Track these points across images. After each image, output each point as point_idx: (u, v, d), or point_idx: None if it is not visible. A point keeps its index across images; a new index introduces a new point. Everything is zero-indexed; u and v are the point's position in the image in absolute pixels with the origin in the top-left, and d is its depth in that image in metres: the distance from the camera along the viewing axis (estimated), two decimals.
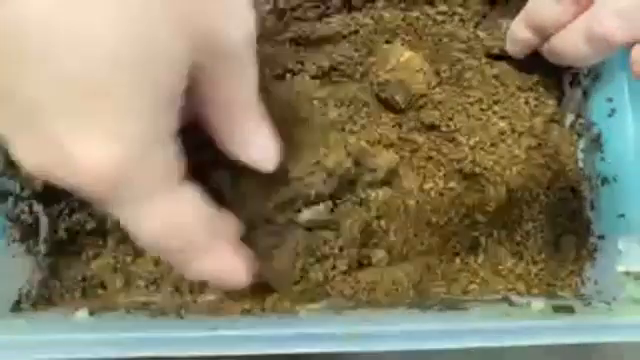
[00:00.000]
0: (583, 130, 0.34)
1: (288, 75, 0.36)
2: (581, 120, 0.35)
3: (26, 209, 0.33)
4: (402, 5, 0.36)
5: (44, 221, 0.33)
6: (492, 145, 0.34)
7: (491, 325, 0.26)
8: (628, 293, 0.30)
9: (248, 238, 0.33)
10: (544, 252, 0.33)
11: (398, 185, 0.35)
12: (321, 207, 0.33)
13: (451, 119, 0.34)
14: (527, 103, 0.35)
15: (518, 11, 0.34)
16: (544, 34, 0.31)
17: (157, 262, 0.34)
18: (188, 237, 0.25)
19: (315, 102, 0.35)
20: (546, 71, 0.35)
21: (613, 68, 0.32)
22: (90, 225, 0.34)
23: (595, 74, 0.33)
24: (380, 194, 0.34)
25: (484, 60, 0.35)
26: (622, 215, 0.31)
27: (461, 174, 0.34)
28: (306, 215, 0.33)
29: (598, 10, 0.28)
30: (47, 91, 0.20)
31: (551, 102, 0.35)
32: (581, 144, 0.35)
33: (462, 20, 0.36)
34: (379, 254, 0.34)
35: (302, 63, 0.36)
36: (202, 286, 0.33)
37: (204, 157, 0.29)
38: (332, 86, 0.36)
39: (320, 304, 0.32)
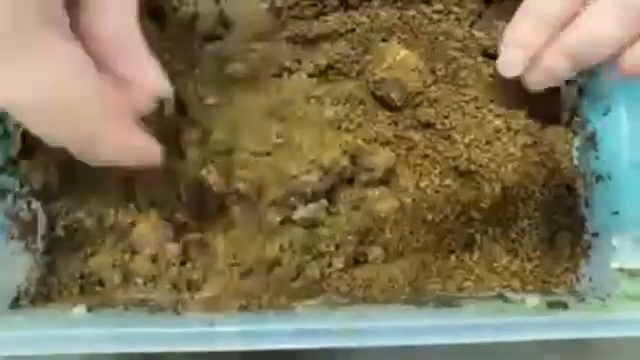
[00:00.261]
0: (578, 128, 0.35)
1: (285, 73, 0.36)
2: (576, 118, 0.35)
3: (24, 207, 0.33)
4: (398, 4, 0.36)
5: (42, 219, 0.34)
6: (487, 143, 0.34)
7: (485, 321, 0.27)
8: (622, 289, 0.30)
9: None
10: (539, 249, 0.34)
11: (395, 183, 0.35)
12: (317, 205, 0.34)
13: (447, 117, 0.34)
14: (523, 102, 0.35)
15: (514, 11, 0.34)
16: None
17: (155, 259, 0.34)
18: (77, 104, 0.23)
19: (312, 100, 0.36)
20: None
21: (608, 67, 0.32)
22: (88, 223, 0.34)
23: (590, 73, 0.33)
24: (377, 193, 0.35)
25: (480, 59, 0.36)
26: (616, 212, 0.32)
27: (457, 172, 0.34)
28: (302, 213, 0.34)
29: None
30: None
31: (547, 100, 0.35)
32: (576, 142, 0.35)
33: (458, 19, 0.36)
34: (375, 251, 0.34)
35: (299, 61, 0.36)
36: (199, 283, 0.34)
37: None
38: (329, 84, 0.36)
39: (316, 300, 0.32)
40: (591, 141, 0.34)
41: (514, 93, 0.35)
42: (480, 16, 0.36)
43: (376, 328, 0.26)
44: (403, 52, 0.35)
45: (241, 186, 0.33)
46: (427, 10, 0.36)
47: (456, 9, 0.36)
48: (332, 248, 0.34)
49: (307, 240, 0.33)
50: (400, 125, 0.35)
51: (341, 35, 0.36)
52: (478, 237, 0.34)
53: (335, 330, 0.26)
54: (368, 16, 0.36)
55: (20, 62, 0.22)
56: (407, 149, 0.35)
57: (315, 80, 0.36)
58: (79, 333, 0.26)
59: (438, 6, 0.36)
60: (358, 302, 0.32)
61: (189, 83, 0.35)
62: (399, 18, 0.36)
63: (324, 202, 0.34)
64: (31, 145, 0.33)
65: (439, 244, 0.34)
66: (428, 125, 0.35)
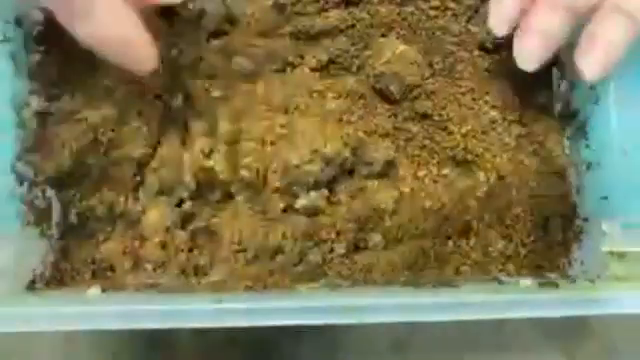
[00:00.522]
0: (569, 118, 0.36)
1: (288, 68, 0.37)
2: (568, 109, 0.36)
3: (39, 194, 0.34)
4: (397, 0, 0.37)
5: (56, 206, 0.35)
6: (483, 133, 0.36)
7: (481, 298, 0.28)
8: (612, 272, 0.32)
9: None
10: (532, 234, 0.35)
11: (394, 175, 0.36)
12: (318, 194, 0.35)
13: (444, 109, 0.36)
14: (517, 93, 0.36)
15: None
16: None
17: (164, 246, 0.35)
18: None
19: (314, 94, 0.37)
20: None
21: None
22: (99, 210, 0.35)
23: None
24: (376, 184, 0.36)
25: (476, 52, 0.37)
26: (605, 198, 0.33)
27: (454, 161, 0.36)
28: (304, 201, 0.35)
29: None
30: None
31: (540, 92, 0.36)
32: (567, 132, 0.36)
33: (454, 15, 0.37)
34: (375, 238, 0.35)
35: (301, 56, 0.37)
36: (206, 269, 0.35)
37: None
38: (330, 78, 0.37)
39: (319, 283, 0.33)
40: (582, 130, 0.35)
41: (509, 85, 0.36)
42: (476, 11, 0.37)
43: (376, 305, 0.27)
44: (402, 47, 0.36)
45: (246, 175, 0.34)
46: (424, 6, 0.37)
47: (453, 5, 0.37)
48: (333, 235, 0.35)
49: (308, 228, 0.35)
50: (399, 117, 0.37)
51: (342, 31, 0.37)
52: (474, 223, 0.35)
53: (336, 307, 0.27)
54: (368, 12, 0.37)
55: None
56: (406, 140, 0.36)
57: (317, 74, 0.37)
58: (93, 310, 0.27)
59: (435, 2, 0.37)
60: (359, 285, 0.33)
61: (196, 76, 0.36)
62: (398, 14, 0.37)
63: (325, 191, 0.35)
64: (46, 135, 0.34)
65: (437, 231, 0.35)
66: (426, 117, 0.36)
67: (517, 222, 0.35)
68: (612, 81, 0.33)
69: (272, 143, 0.35)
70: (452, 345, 0.38)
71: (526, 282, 0.31)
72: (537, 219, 0.35)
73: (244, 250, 0.35)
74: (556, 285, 0.30)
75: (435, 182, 0.36)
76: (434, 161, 0.36)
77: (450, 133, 0.36)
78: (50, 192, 0.35)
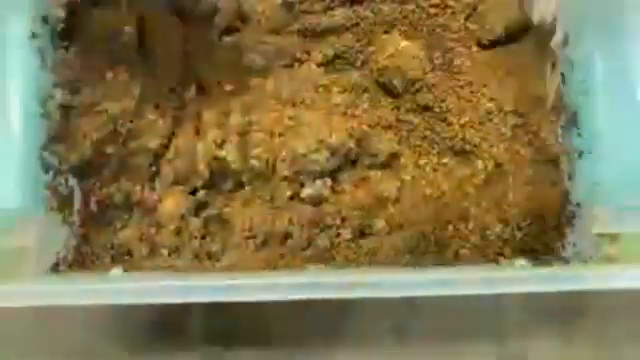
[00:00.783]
0: (562, 109, 0.38)
1: (296, 64, 0.39)
2: (560, 100, 0.38)
3: (63, 182, 0.36)
4: None
5: (77, 194, 0.37)
6: (480, 124, 0.38)
7: (479, 275, 0.30)
8: (603, 252, 0.33)
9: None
10: (528, 219, 0.36)
11: (396, 165, 0.38)
12: (322, 182, 0.37)
13: (443, 101, 0.38)
14: (512, 86, 0.38)
15: (506, 5, 0.38)
16: None
17: (179, 232, 0.37)
18: None
19: (320, 88, 0.39)
20: (531, 58, 0.39)
21: (586, 54, 0.35)
22: (118, 199, 0.37)
23: (572, 59, 0.37)
24: (379, 174, 0.38)
25: (474, 48, 0.39)
26: (597, 183, 0.34)
27: (453, 151, 0.38)
28: (309, 191, 0.37)
29: None
30: None
31: (534, 85, 0.38)
32: (560, 122, 0.38)
33: (454, 12, 0.39)
34: (379, 224, 0.37)
35: (308, 52, 0.39)
36: (219, 255, 0.37)
37: None
38: (336, 73, 0.39)
39: (327, 265, 0.35)
40: (573, 120, 0.36)
41: (505, 79, 0.38)
42: (474, 9, 0.39)
43: (380, 281, 0.29)
44: (404, 43, 0.39)
45: (256, 164, 0.36)
46: (425, 4, 0.39)
47: (452, 3, 0.39)
48: (338, 222, 0.37)
49: (314, 215, 0.37)
50: (401, 109, 0.39)
51: (347, 28, 0.39)
52: (473, 209, 0.37)
53: (343, 283, 0.29)
54: (372, 10, 0.39)
55: None
56: (408, 131, 0.38)
57: (323, 69, 0.39)
58: (116, 287, 0.30)
59: (435, 1, 0.39)
60: (364, 266, 0.35)
61: (209, 71, 0.38)
62: (400, 12, 0.39)
63: (329, 181, 0.37)
64: (69, 126, 0.36)
65: (437, 216, 0.37)
66: (427, 109, 0.38)
67: (513, 207, 0.37)
68: (601, 73, 0.34)
69: (280, 134, 0.37)
70: (451, 332, 0.39)
71: (521, 262, 0.33)
72: (532, 204, 0.37)
73: (254, 236, 0.37)
74: (550, 264, 0.32)
75: (435, 170, 0.38)
76: (434, 151, 0.38)
77: (449, 124, 0.38)
78: (72, 181, 0.37)
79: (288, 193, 0.37)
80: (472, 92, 0.38)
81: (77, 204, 0.37)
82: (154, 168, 0.37)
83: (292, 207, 0.37)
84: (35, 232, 0.34)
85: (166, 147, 0.37)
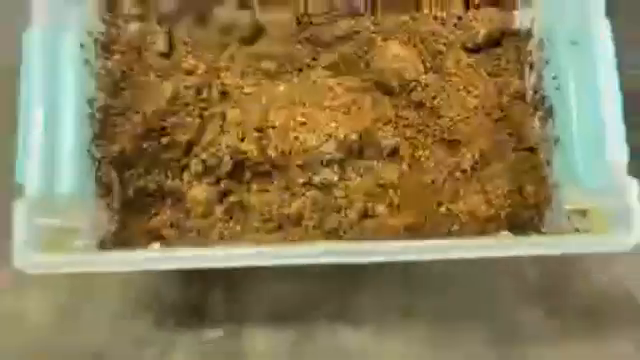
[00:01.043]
0: (539, 103, 0.42)
1: (306, 68, 0.44)
2: (537, 96, 0.42)
3: (106, 173, 0.41)
4: (395, 11, 0.44)
5: (117, 183, 0.42)
6: (467, 118, 0.42)
7: (467, 242, 0.35)
8: (574, 226, 0.38)
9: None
10: (510, 199, 0.41)
11: (396, 155, 0.43)
12: (332, 170, 0.41)
13: (435, 98, 0.42)
14: (495, 84, 0.43)
15: (491, 14, 0.43)
16: None
17: (205, 217, 0.42)
18: None
19: (327, 90, 0.43)
20: (511, 60, 0.44)
21: (558, 55, 0.40)
22: (151, 188, 0.42)
23: (546, 60, 0.41)
24: (381, 164, 0.42)
25: (462, 52, 0.44)
26: (569, 167, 0.38)
27: (444, 142, 0.42)
28: (320, 177, 0.41)
29: None
30: None
31: (514, 83, 0.43)
32: (538, 114, 0.42)
33: (443, 22, 0.44)
34: (380, 208, 0.41)
35: (316, 59, 0.44)
36: (240, 236, 0.42)
37: None
38: (340, 76, 0.44)
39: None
40: (549, 113, 0.41)
41: (489, 78, 0.43)
42: (460, 19, 0.44)
43: (381, 247, 0.34)
44: (400, 49, 0.43)
45: (273, 154, 0.41)
46: (418, 15, 0.44)
47: (441, 14, 0.44)
48: (345, 205, 0.41)
49: (324, 200, 0.41)
50: (399, 107, 0.43)
51: (350, 37, 0.44)
52: (462, 192, 0.41)
53: (351, 250, 0.34)
54: (372, 22, 0.44)
55: None
56: (404, 126, 0.43)
57: (330, 73, 0.44)
58: (156, 255, 0.35)
59: (426, 11, 0.44)
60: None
61: (230, 76, 0.43)
62: (396, 23, 0.44)
63: (336, 168, 0.41)
64: (110, 124, 0.41)
65: (430, 199, 0.42)
66: (421, 105, 0.43)
67: (497, 190, 0.41)
68: (570, 70, 0.39)
69: (294, 129, 0.41)
70: (453, 309, 0.44)
71: (505, 233, 0.38)
72: (514, 186, 0.41)
73: (271, 219, 0.41)
74: (527, 234, 0.37)
75: (429, 159, 0.42)
76: (428, 142, 0.43)
77: (440, 118, 0.42)
78: (113, 172, 0.41)
79: (301, 180, 0.41)
80: (460, 90, 0.43)
81: (116, 192, 0.41)
82: (184, 161, 0.42)
83: (305, 192, 0.41)
84: (85, 215, 0.38)
85: (194, 142, 0.42)
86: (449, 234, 0.41)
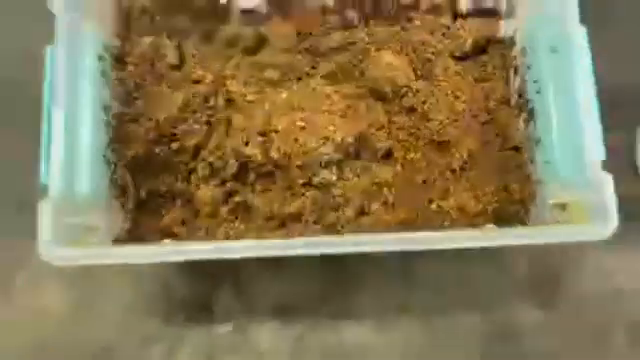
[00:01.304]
0: (523, 106, 0.44)
1: (306, 77, 0.47)
2: (521, 99, 0.44)
3: (120, 175, 0.44)
4: (388, 22, 0.47)
5: (131, 185, 0.44)
6: (456, 121, 0.45)
7: (456, 234, 0.37)
8: (555, 218, 0.40)
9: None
10: (497, 196, 0.43)
11: (390, 157, 0.45)
12: (330, 171, 0.44)
13: (424, 103, 0.45)
14: (482, 90, 0.46)
15: (478, 25, 0.46)
16: None
17: (212, 216, 0.44)
18: None
19: (325, 96, 0.45)
20: (496, 66, 0.47)
21: (539, 61, 0.43)
22: (162, 189, 0.45)
23: (528, 65, 0.44)
24: (376, 165, 0.45)
25: (449, 60, 0.47)
26: (549, 163, 0.41)
27: (434, 143, 0.45)
28: (319, 177, 0.44)
29: None
30: None
31: (500, 88, 0.46)
32: (522, 117, 0.44)
33: (432, 32, 0.47)
34: (375, 206, 0.44)
35: (315, 67, 0.47)
36: (244, 234, 0.44)
37: None
38: (337, 84, 0.46)
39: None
40: (532, 115, 0.43)
41: (474, 83, 0.46)
42: (448, 28, 0.47)
43: (377, 238, 0.36)
44: (392, 58, 0.46)
45: (275, 156, 0.43)
46: (409, 25, 0.47)
47: (430, 24, 0.47)
48: (342, 203, 0.43)
49: (323, 197, 0.43)
50: (392, 112, 0.46)
51: (345, 47, 0.47)
52: (452, 189, 0.44)
53: (350, 241, 0.36)
54: (366, 33, 0.47)
55: None
56: (397, 129, 0.45)
57: (327, 81, 0.46)
58: (169, 248, 0.38)
59: (417, 22, 0.47)
60: None
61: (235, 84, 0.46)
62: (388, 33, 0.47)
63: (334, 169, 0.44)
64: (124, 130, 0.44)
65: (422, 196, 0.44)
66: (412, 110, 0.45)
67: (485, 187, 0.44)
68: (549, 76, 0.41)
69: (294, 133, 0.44)
70: (449, 305, 0.46)
71: (490, 226, 0.41)
72: (501, 183, 0.44)
73: (273, 217, 0.44)
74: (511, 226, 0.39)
75: (420, 160, 0.45)
76: (419, 144, 0.45)
77: (430, 121, 0.45)
78: (128, 175, 0.44)
79: (301, 181, 0.43)
80: (448, 95, 0.45)
81: (130, 193, 0.44)
82: (192, 164, 0.44)
83: (305, 192, 0.43)
84: (101, 214, 0.41)
85: (202, 147, 0.44)
86: (440, 228, 0.43)
